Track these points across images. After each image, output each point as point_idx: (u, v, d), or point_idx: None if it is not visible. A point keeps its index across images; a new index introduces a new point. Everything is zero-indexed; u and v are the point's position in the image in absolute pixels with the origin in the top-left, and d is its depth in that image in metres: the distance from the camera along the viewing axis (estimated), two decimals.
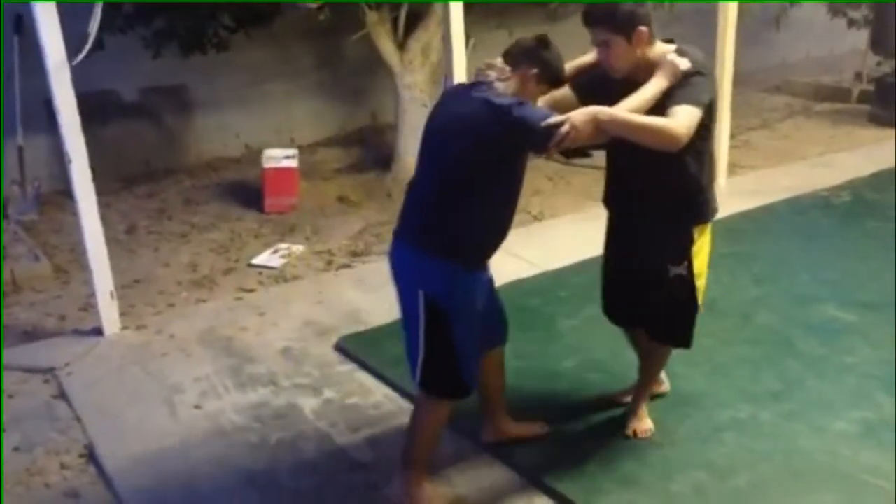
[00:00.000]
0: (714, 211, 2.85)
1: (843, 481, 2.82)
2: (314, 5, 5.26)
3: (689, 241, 2.79)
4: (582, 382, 3.32)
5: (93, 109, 4.47)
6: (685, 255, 2.80)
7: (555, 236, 5.16)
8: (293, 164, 5.85)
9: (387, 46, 5.97)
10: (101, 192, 3.95)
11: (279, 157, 5.86)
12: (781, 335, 3.82)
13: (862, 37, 8.55)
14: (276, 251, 5.10)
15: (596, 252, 3.15)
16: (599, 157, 3.06)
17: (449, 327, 2.56)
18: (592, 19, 2.61)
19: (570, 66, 2.77)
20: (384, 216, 5.63)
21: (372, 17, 5.83)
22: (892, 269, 4.52)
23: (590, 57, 2.83)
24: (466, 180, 2.50)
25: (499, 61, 2.62)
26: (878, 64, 8.63)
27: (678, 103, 2.50)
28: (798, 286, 4.35)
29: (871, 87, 8.30)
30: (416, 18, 6.03)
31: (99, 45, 4.03)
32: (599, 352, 3.66)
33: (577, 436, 3.12)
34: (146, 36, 5.57)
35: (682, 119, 2.46)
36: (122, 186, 6.21)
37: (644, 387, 3.13)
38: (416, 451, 2.76)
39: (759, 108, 8.36)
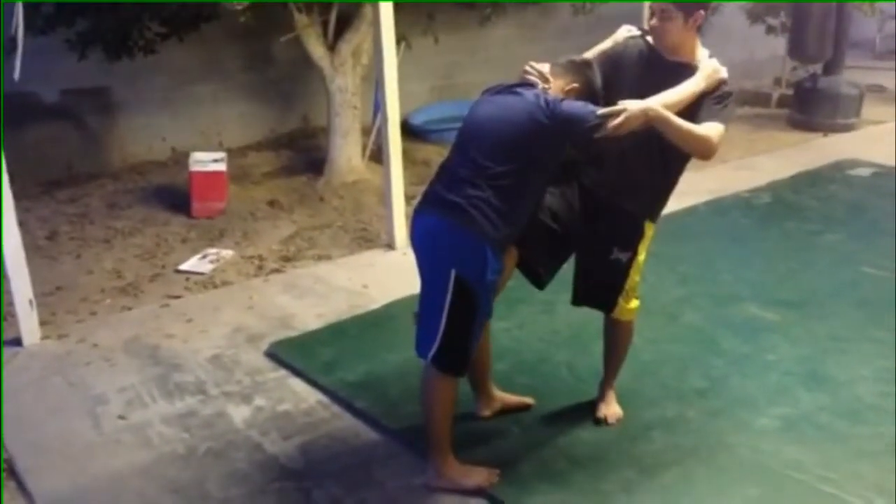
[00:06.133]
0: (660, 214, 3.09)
1: (765, 475, 2.91)
2: (240, 6, 5.16)
3: (641, 235, 2.98)
4: (512, 384, 3.35)
5: (10, 111, 4.33)
6: (633, 246, 2.98)
7: None
8: (222, 167, 5.75)
9: (317, 49, 5.93)
10: (19, 196, 3.82)
11: (207, 161, 5.74)
12: (706, 334, 3.93)
13: (780, 43, 8.83)
14: (204, 256, 5.01)
15: None
16: None
17: (473, 307, 2.63)
18: None
19: (591, 52, 2.95)
20: (316, 220, 5.58)
21: (301, 20, 5.77)
22: (810, 268, 4.70)
23: (605, 45, 2.99)
24: (511, 165, 2.61)
25: (546, 67, 2.79)
26: (794, 69, 8.94)
27: (714, 118, 2.72)
28: (721, 286, 4.48)
29: (789, 92, 8.60)
30: (346, 21, 6.00)
31: (17, 46, 3.90)
32: (529, 354, 3.71)
33: (508, 436, 3.14)
34: (70, 38, 5.40)
35: (717, 136, 2.70)
36: (42, 191, 6.00)
37: (611, 374, 3.26)
38: (435, 431, 2.81)
39: None
